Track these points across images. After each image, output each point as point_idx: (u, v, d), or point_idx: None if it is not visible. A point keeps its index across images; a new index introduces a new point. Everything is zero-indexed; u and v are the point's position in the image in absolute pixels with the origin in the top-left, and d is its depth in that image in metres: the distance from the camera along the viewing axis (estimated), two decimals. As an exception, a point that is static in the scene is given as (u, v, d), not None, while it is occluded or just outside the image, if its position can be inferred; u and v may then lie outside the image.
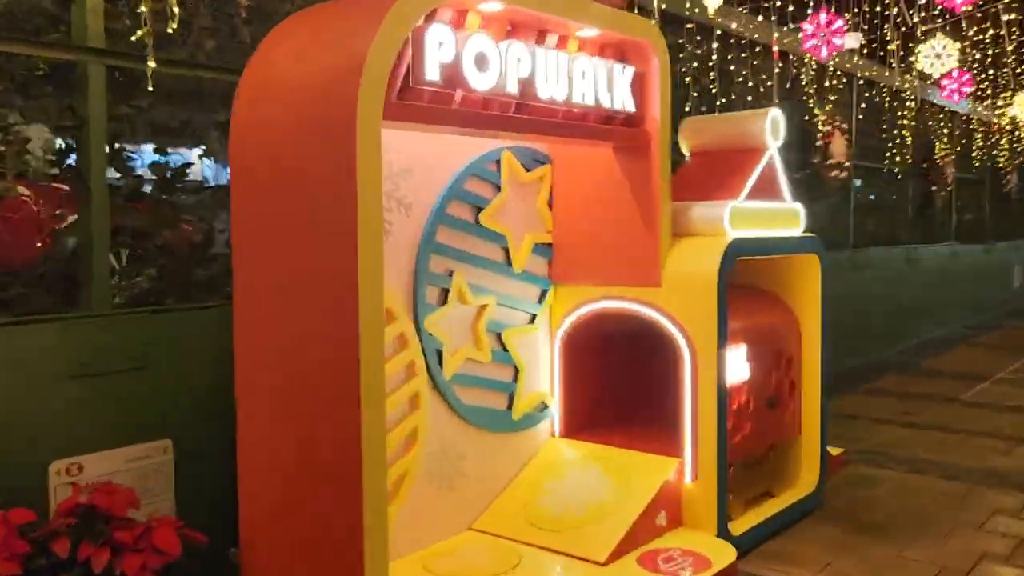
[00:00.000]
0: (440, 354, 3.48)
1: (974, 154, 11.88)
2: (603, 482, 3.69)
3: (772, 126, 4.01)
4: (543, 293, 4.00)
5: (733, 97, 6.85)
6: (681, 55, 6.30)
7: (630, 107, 3.58)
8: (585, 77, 3.34)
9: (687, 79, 6.20)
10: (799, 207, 4.28)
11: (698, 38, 6.43)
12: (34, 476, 2.96)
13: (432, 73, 2.73)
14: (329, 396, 2.65)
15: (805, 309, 4.39)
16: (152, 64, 2.92)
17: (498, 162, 3.73)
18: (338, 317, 2.58)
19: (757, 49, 7.08)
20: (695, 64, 6.38)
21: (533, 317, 3.95)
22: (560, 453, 4.00)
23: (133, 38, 2.98)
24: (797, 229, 4.27)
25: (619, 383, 4.28)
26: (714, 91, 6.47)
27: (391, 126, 2.77)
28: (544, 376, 4.03)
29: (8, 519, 2.52)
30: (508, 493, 3.78)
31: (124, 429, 3.17)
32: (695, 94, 6.29)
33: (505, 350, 3.80)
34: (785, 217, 4.17)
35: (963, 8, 6.05)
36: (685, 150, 4.30)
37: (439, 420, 3.51)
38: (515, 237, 3.83)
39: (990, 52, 9.12)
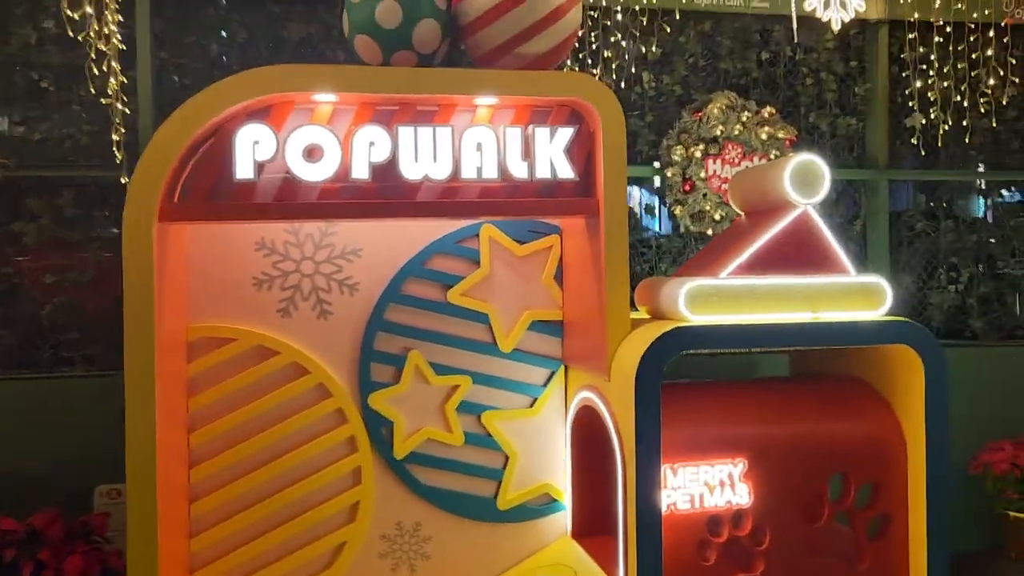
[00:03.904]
0: (391, 432, 3.50)
1: None
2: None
3: (795, 178, 3.05)
4: (551, 375, 3.67)
5: None
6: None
7: (566, 174, 3.14)
8: (481, 149, 3.07)
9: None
10: (875, 281, 3.12)
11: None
12: (86, 495, 3.90)
13: (244, 172, 2.90)
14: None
15: (910, 416, 3.18)
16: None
17: (478, 236, 3.59)
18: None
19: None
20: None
21: (534, 401, 3.65)
22: (561, 555, 3.60)
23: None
24: (875, 311, 3.13)
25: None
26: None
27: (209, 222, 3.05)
28: (554, 466, 3.67)
29: (-3, 525, 3.43)
30: (482, 587, 3.56)
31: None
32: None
33: (489, 435, 3.60)
34: (843, 296, 3.08)
35: None
36: (738, 208, 3.50)
37: (392, 499, 3.52)
38: (503, 315, 3.61)
39: None
